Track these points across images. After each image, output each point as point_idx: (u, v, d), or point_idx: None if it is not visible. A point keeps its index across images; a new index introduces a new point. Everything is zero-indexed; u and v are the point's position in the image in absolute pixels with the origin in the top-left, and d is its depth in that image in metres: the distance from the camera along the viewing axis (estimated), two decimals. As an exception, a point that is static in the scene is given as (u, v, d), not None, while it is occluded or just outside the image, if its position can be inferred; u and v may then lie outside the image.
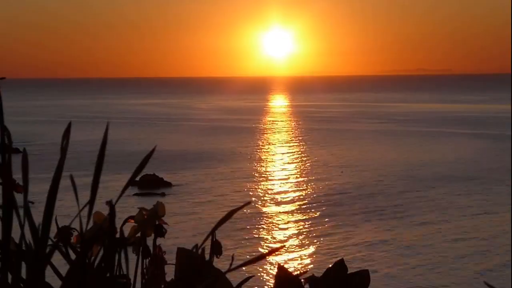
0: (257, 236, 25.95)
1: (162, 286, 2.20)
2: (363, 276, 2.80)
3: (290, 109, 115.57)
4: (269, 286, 18.67)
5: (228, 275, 2.15)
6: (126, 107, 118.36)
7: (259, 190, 35.19)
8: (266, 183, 37.37)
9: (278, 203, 32.08)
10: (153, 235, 2.29)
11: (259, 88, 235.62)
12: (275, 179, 38.92)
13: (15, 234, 1.82)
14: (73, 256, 1.99)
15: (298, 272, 2.62)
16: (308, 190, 35.62)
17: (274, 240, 25.55)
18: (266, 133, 67.15)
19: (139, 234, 2.27)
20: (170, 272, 2.29)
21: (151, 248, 2.28)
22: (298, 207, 31.44)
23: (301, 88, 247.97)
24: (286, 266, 2.67)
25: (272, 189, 35.70)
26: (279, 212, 30.25)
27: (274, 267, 20.01)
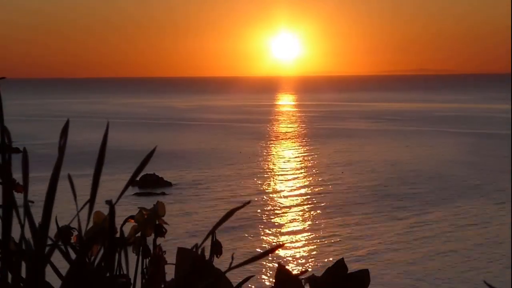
0: (257, 235, 25.95)
1: (162, 286, 2.20)
2: (363, 276, 2.81)
3: (291, 108, 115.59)
4: (269, 286, 18.67)
5: (228, 275, 2.15)
6: (125, 107, 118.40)
7: (259, 190, 35.18)
8: (266, 183, 37.36)
9: (277, 203, 32.08)
10: (153, 235, 2.28)
11: (265, 88, 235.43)
12: (275, 179, 38.91)
13: (15, 233, 1.82)
14: (73, 255, 1.99)
15: (298, 271, 2.62)
16: (309, 190, 35.62)
17: (274, 239, 25.55)
18: (266, 133, 67.14)
19: (139, 234, 2.27)
20: (170, 272, 2.29)
21: (151, 248, 2.28)
22: (298, 207, 31.44)
23: (304, 88, 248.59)
24: (286, 265, 2.68)
25: (271, 189, 35.69)
26: (279, 212, 30.24)
27: (274, 266, 20.03)
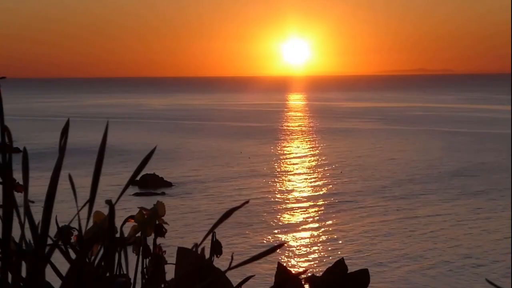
0: (256, 235, 25.95)
1: (162, 286, 2.20)
2: (363, 275, 2.81)
3: (291, 107, 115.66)
4: (270, 286, 18.65)
5: (228, 275, 2.15)
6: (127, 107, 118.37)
7: (258, 190, 35.18)
8: (265, 183, 37.35)
9: (276, 203, 32.09)
10: (153, 234, 2.29)
11: (271, 88, 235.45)
12: (274, 179, 38.91)
13: (16, 233, 1.82)
14: (73, 255, 1.99)
15: (298, 271, 2.62)
16: (308, 189, 35.63)
17: (273, 239, 25.55)
18: (265, 133, 67.16)
19: (139, 234, 2.27)
20: (170, 272, 2.29)
21: (151, 248, 2.28)
22: (297, 206, 31.45)
23: (307, 88, 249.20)
24: (286, 265, 2.68)
25: (270, 189, 35.69)
26: (278, 211, 30.25)
27: (275, 266, 20.01)
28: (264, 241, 25.14)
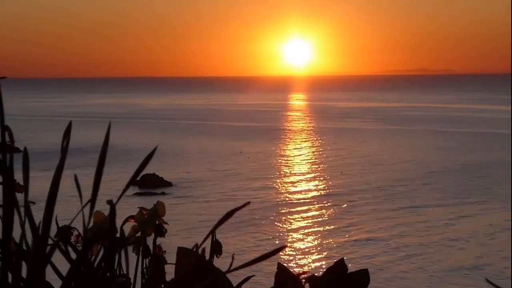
0: (256, 236, 25.95)
1: (162, 286, 2.20)
2: (363, 275, 2.81)
3: (291, 107, 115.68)
4: (270, 286, 18.63)
5: (228, 275, 2.16)
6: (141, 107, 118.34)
7: (259, 190, 35.18)
8: (265, 183, 37.35)
9: (277, 203, 32.08)
10: (153, 234, 2.29)
11: (271, 88, 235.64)
12: (274, 179, 38.90)
13: (16, 233, 1.83)
14: (73, 255, 1.99)
15: (298, 271, 2.62)
16: (308, 190, 35.63)
17: (274, 240, 25.55)
18: (265, 133, 67.16)
19: (139, 234, 2.27)
20: (170, 272, 2.29)
21: (151, 248, 2.29)
22: (298, 207, 31.44)
23: (307, 87, 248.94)
24: (286, 265, 2.68)
25: (271, 189, 35.69)
26: (278, 212, 30.24)
27: (275, 266, 19.99)
28: (265, 242, 25.14)
